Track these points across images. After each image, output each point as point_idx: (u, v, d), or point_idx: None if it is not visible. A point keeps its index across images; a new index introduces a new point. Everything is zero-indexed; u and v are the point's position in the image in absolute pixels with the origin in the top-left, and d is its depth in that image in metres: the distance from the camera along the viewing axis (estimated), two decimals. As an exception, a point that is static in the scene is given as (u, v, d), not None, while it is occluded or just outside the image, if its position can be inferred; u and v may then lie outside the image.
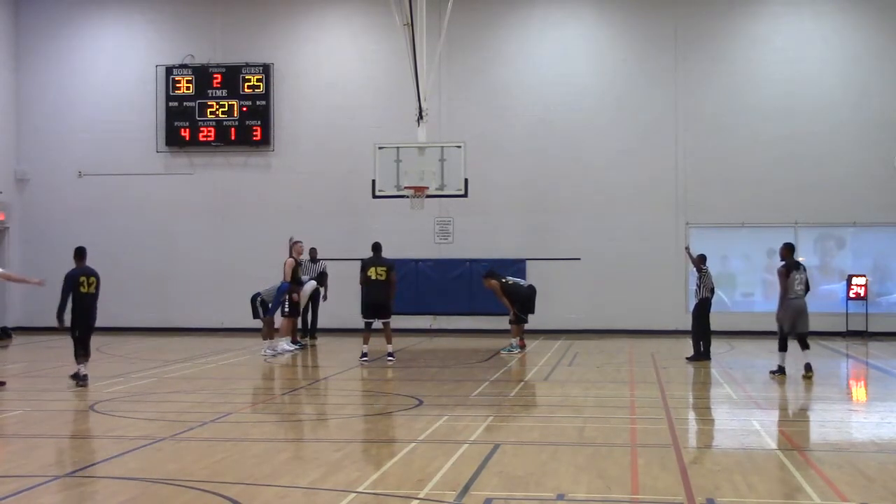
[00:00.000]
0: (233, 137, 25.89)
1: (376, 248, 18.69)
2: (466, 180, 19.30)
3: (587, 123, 25.07)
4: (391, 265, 18.44)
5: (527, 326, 20.65)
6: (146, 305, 25.93)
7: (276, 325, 19.89)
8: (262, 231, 25.68)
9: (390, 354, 18.25)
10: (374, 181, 19.27)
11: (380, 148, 19.29)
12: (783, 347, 15.83)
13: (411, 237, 24.98)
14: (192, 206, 26.12)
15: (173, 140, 26.01)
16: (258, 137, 25.84)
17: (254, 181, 26.14)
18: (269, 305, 19.41)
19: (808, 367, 15.53)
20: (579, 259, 24.87)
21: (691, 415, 12.93)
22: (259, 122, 25.84)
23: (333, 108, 25.72)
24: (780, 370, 15.81)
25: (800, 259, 16.13)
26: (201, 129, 25.79)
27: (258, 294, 19.62)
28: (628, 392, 14.36)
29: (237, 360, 18.99)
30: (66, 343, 21.35)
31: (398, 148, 19.25)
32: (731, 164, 24.60)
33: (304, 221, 24.81)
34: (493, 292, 20.23)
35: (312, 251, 22.24)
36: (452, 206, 24.67)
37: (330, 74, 25.91)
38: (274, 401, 14.18)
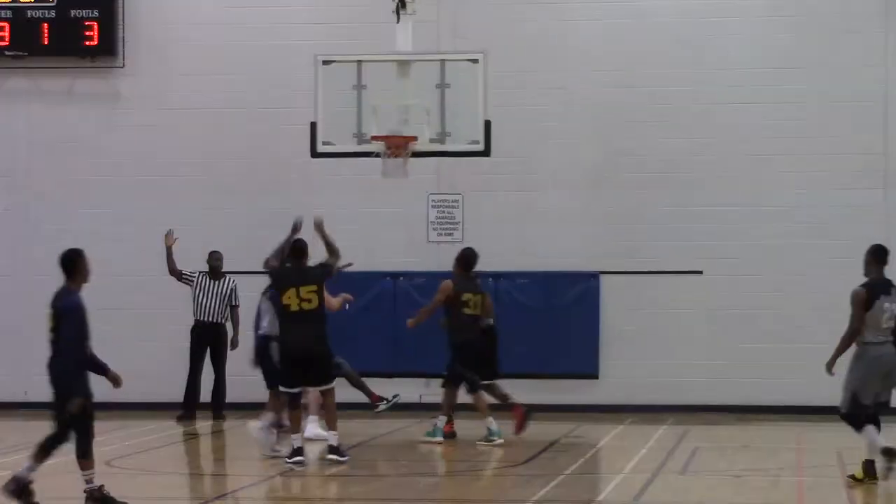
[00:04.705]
0: (45, 41, 19.13)
1: (299, 250, 13.85)
2: (488, 124, 14.59)
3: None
4: (322, 279, 13.73)
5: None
6: None
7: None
8: (96, 217, 18.53)
9: (335, 449, 13.37)
10: (313, 125, 15.06)
11: (325, 63, 15.36)
12: (861, 424, 11.56)
13: (385, 231, 18.08)
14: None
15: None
16: (94, 42, 18.95)
17: (87, 124, 19.19)
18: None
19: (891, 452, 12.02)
20: (700, 273, 18.08)
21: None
22: (97, 14, 18.65)
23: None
24: (875, 463, 11.71)
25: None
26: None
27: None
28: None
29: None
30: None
31: (359, 62, 15.10)
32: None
33: (183, 200, 18.22)
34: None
35: (214, 258, 16.98)
36: (461, 172, 17.81)
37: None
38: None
